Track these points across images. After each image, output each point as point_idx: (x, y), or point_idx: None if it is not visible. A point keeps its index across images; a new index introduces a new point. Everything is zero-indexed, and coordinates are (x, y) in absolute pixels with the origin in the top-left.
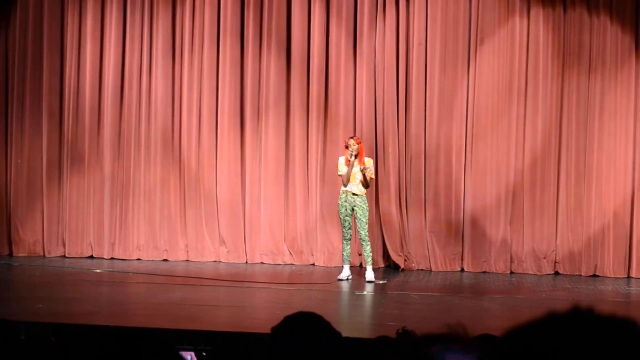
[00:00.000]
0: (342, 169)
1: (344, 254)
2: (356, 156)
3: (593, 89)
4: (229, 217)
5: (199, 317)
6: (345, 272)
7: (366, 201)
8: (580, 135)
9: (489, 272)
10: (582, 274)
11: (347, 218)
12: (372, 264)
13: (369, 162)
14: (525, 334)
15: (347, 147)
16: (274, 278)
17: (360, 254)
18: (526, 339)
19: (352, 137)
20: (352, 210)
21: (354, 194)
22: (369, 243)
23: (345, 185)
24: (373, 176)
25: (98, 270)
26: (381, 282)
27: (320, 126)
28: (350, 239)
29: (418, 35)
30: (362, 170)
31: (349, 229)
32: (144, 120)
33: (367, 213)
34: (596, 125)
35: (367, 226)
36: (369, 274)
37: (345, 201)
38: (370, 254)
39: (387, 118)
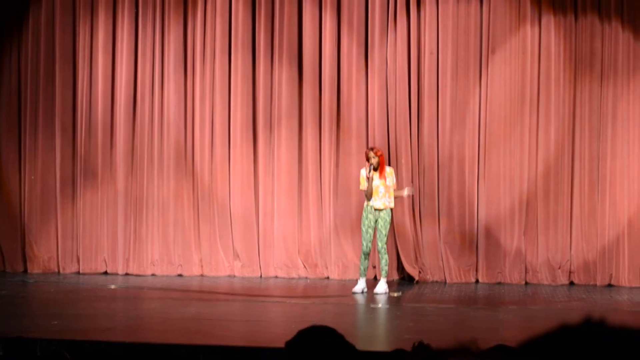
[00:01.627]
0: (364, 183)
1: (361, 267)
2: (376, 169)
3: (605, 96)
4: (242, 230)
5: (214, 332)
6: (360, 285)
7: (390, 214)
8: (594, 144)
9: (503, 283)
10: (598, 284)
11: (370, 230)
12: (387, 277)
13: (391, 172)
14: (539, 345)
15: (367, 159)
16: (289, 292)
17: (374, 267)
18: (540, 351)
19: (371, 149)
20: (376, 222)
21: (376, 209)
22: (384, 256)
23: (368, 200)
24: (395, 186)
25: (113, 286)
26: (396, 294)
27: (332, 137)
28: (368, 253)
29: (429, 44)
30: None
31: (369, 242)
32: (156, 134)
33: (389, 226)
34: (609, 133)
35: (386, 239)
36: (378, 287)
37: (370, 213)
38: (386, 267)
39: (400, 128)
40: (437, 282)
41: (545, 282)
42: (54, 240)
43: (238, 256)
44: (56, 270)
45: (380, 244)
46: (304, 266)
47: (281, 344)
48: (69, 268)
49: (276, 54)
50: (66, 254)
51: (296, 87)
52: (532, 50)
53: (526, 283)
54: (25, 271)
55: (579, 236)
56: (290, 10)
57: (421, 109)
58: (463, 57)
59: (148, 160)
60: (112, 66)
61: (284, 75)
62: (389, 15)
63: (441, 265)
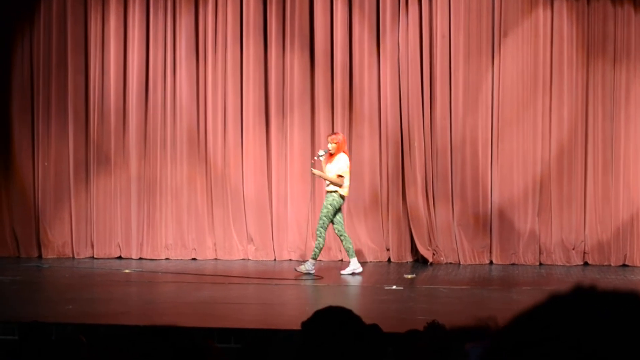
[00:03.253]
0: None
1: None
2: (332, 154)
3: (618, 79)
4: (256, 214)
5: (228, 315)
6: (349, 267)
7: (329, 198)
8: (607, 126)
9: (517, 264)
10: (612, 264)
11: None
12: (314, 259)
13: (340, 160)
14: (528, 319)
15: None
16: (302, 275)
17: (388, 249)
18: (529, 325)
19: (332, 134)
20: None
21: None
22: (318, 239)
23: None
24: (333, 177)
25: (127, 271)
26: (410, 276)
27: (345, 122)
28: (338, 235)
29: (441, 28)
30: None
31: (336, 224)
32: (169, 119)
33: (326, 211)
34: (622, 115)
35: (321, 222)
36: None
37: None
38: (317, 249)
39: (412, 112)
40: (451, 263)
41: (560, 263)
42: (68, 225)
43: (252, 240)
44: (70, 255)
45: (317, 226)
46: None
47: (295, 326)
48: (83, 253)
49: (288, 39)
50: (80, 239)
51: (308, 73)
52: (545, 34)
53: (540, 264)
54: (40, 256)
55: (592, 217)
56: None
57: (434, 93)
58: (475, 40)
59: (161, 146)
60: (124, 52)
61: (296, 60)
62: None
63: (455, 247)
